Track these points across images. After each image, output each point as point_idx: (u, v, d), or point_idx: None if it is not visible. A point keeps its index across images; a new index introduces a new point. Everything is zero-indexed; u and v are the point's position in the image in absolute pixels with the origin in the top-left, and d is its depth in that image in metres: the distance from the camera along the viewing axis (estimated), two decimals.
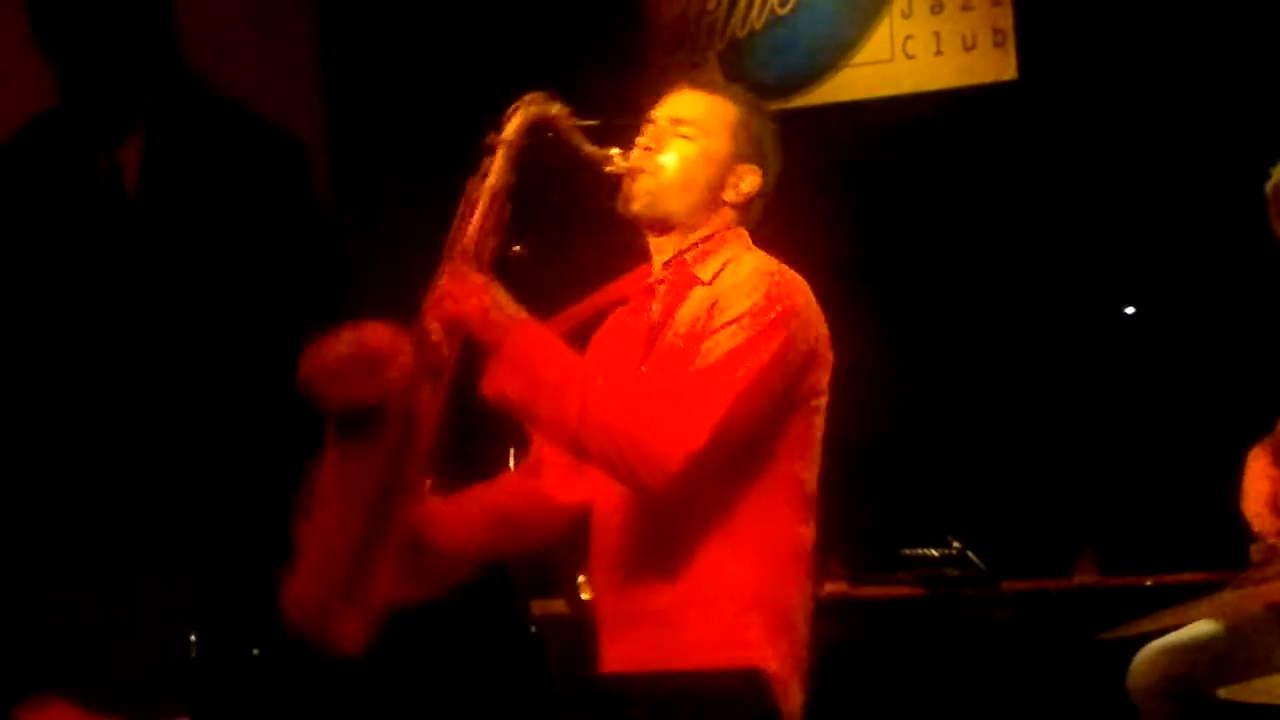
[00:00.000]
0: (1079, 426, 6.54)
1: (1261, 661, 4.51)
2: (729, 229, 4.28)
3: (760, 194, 4.31)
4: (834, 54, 6.91)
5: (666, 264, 4.27)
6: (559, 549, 4.43)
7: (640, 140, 4.25)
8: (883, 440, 6.15)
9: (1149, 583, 5.75)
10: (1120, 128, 6.47)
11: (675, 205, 4.25)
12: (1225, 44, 6.34)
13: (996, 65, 6.65)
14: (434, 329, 4.05)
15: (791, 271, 4.19)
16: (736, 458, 4.04)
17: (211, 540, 6.38)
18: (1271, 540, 5.02)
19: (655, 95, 4.57)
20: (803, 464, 4.15)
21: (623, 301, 4.37)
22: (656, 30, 7.08)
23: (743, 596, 4.02)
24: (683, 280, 4.25)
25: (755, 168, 4.29)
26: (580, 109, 4.50)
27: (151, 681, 5.27)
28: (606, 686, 4.00)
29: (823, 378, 4.18)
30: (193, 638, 5.13)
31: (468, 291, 4.04)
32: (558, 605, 5.93)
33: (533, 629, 5.37)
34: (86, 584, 5.95)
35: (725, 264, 4.22)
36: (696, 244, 4.26)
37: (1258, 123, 5.91)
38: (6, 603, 5.50)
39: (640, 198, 4.21)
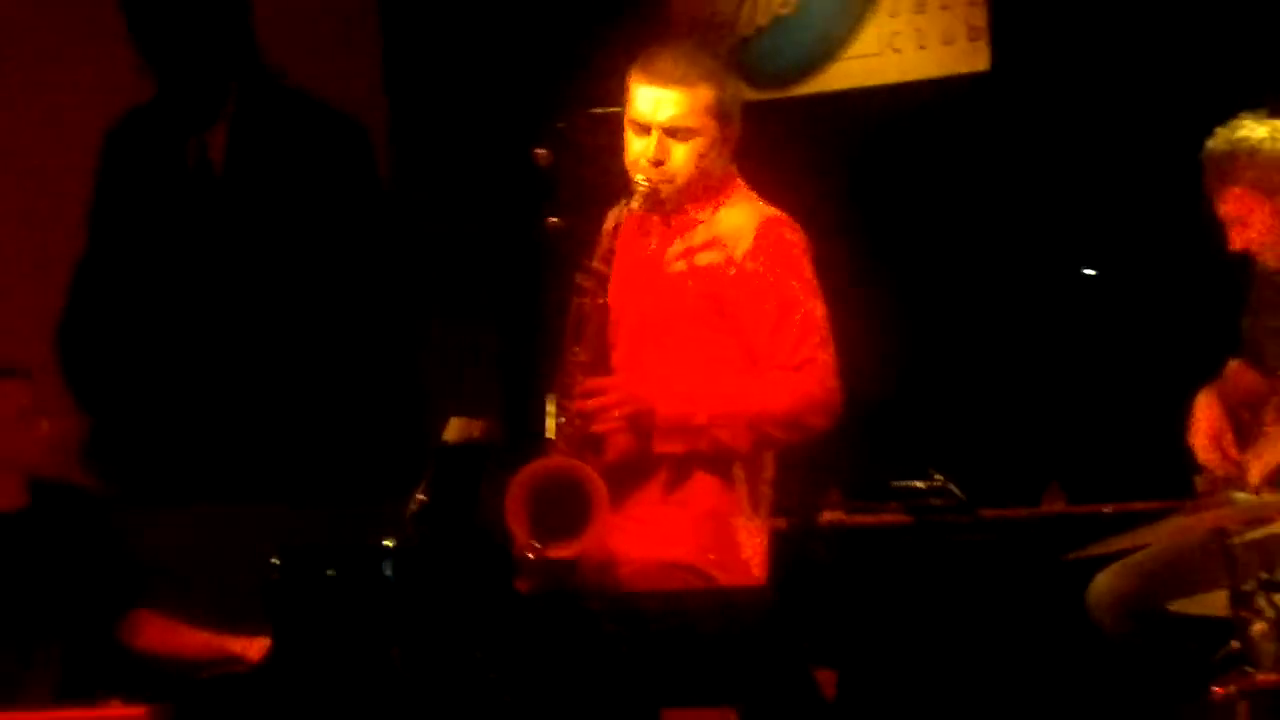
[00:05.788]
0: (1047, 373, 6.49)
1: (1206, 579, 4.33)
2: (727, 181, 4.33)
3: (739, 133, 4.33)
4: (829, 48, 6.83)
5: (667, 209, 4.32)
6: None
7: (643, 154, 4.24)
8: (876, 388, 6.10)
9: (1109, 510, 5.73)
10: (1081, 112, 6.41)
11: (694, 190, 4.28)
12: (1170, 28, 6.26)
13: (972, 58, 6.57)
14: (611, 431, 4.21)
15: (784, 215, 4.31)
16: None
17: (296, 474, 6.48)
18: (1216, 472, 4.91)
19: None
20: None
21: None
22: (676, 27, 7.01)
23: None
24: (679, 218, 4.29)
25: (735, 120, 4.29)
26: (610, 98, 4.48)
27: (239, 599, 5.28)
28: (630, 604, 4.02)
29: None
30: (275, 560, 4.93)
31: (617, 406, 4.18)
32: None
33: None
34: (183, 513, 6.04)
35: (719, 205, 4.29)
36: (700, 197, 4.31)
37: (1203, 94, 5.78)
38: (111, 530, 5.48)
39: (669, 199, 4.25)
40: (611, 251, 4.25)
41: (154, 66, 6.39)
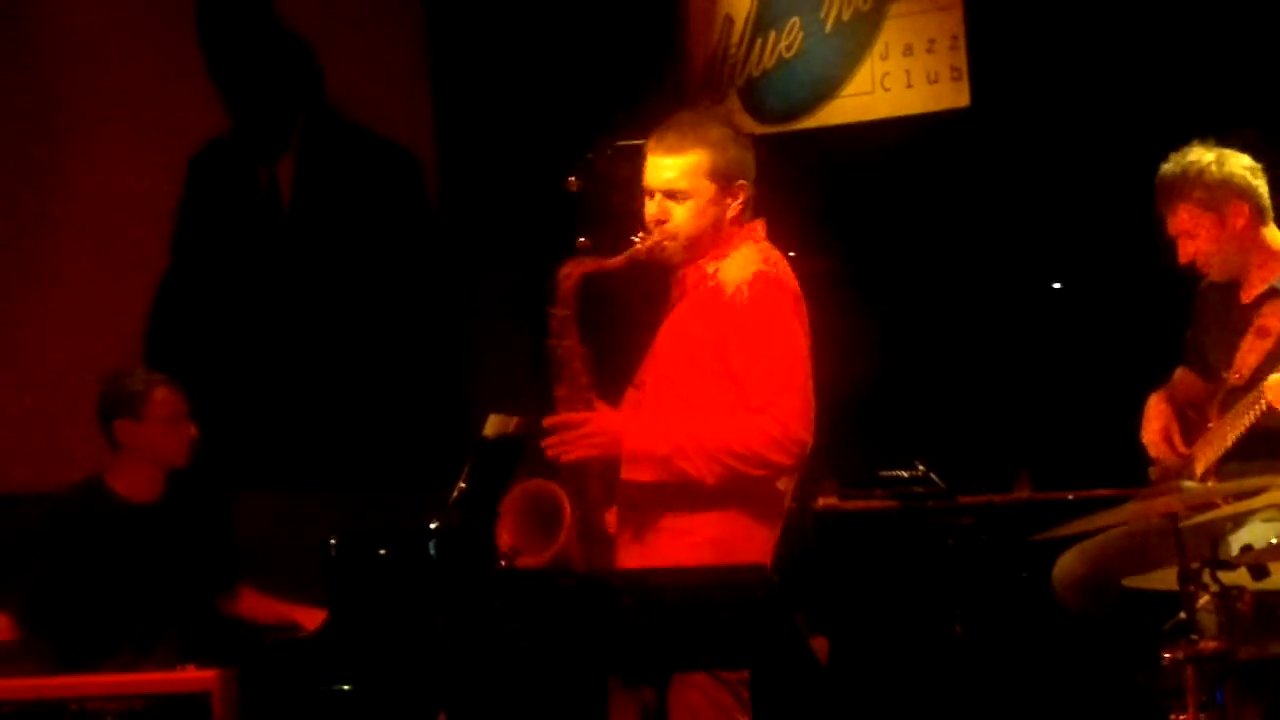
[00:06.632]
0: (1018, 375, 6.61)
1: (1157, 558, 4.42)
2: (736, 235, 4.37)
3: (751, 192, 4.36)
4: (828, 88, 6.99)
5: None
6: None
7: (649, 215, 4.33)
8: (866, 387, 6.18)
9: (1071, 496, 5.77)
10: (1050, 143, 6.54)
11: (699, 247, 4.36)
12: (1128, 69, 6.41)
13: (954, 95, 6.73)
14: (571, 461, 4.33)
15: (778, 267, 4.30)
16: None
17: (352, 464, 6.62)
18: (1166, 464, 5.07)
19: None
20: None
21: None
22: (691, 70, 7.14)
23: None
24: (694, 271, 4.38)
25: (741, 181, 4.34)
26: (635, 131, 4.67)
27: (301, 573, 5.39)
28: (646, 580, 4.04)
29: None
30: (332, 541, 5.18)
31: (585, 438, 4.31)
32: None
33: None
34: (252, 497, 6.15)
35: (725, 255, 4.34)
36: (710, 250, 4.36)
37: (1159, 130, 5.81)
38: (226, 513, 5.65)
39: (675, 255, 4.35)
40: (571, 295, 4.34)
41: (230, 102, 6.53)
